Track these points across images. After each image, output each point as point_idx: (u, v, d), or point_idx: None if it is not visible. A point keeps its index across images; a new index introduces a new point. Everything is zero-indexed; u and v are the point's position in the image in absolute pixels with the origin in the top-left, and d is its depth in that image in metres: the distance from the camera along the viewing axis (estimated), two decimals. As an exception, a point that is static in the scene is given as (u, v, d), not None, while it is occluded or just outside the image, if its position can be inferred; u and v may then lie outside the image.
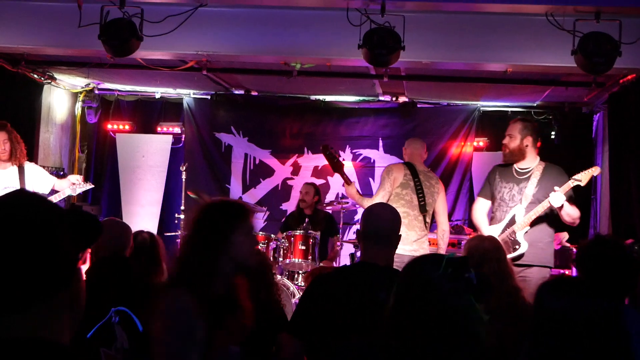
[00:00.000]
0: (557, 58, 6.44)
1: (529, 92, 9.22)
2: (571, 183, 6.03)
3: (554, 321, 2.47)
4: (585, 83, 8.26)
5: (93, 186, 8.55)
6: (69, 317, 1.58)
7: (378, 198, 6.54)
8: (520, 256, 6.14)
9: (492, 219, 6.51)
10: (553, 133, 9.83)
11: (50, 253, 1.52)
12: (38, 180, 7.42)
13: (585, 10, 5.86)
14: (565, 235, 7.71)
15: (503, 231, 6.25)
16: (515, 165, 6.37)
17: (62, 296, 1.55)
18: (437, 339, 2.17)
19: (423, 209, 6.55)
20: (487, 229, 6.35)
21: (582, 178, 6.07)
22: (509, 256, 6.05)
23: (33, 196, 1.62)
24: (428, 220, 6.61)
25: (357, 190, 6.94)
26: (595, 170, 6.11)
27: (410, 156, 6.88)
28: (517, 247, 6.14)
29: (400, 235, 3.90)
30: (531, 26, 6.37)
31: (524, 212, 6.19)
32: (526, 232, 6.17)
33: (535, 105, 10.00)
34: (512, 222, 6.24)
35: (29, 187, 7.09)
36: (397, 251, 3.91)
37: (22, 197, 1.61)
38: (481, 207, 6.58)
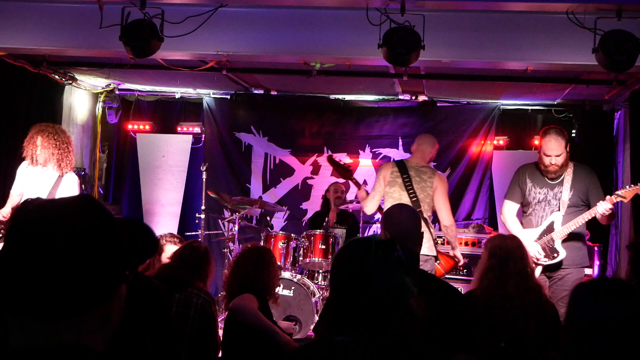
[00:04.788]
0: (578, 56, 6.38)
1: (550, 90, 9.16)
2: (614, 198, 5.93)
3: (600, 327, 2.47)
4: (606, 81, 8.20)
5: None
6: (103, 331, 1.57)
7: (370, 198, 6.81)
8: (560, 263, 6.18)
9: (525, 223, 6.47)
10: (574, 131, 9.76)
11: (108, 262, 1.52)
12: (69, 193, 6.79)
13: (607, 8, 5.82)
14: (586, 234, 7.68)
15: (540, 237, 6.24)
16: None
17: (102, 310, 1.54)
18: (374, 320, 2.23)
19: (416, 204, 6.48)
20: (523, 233, 6.26)
21: (627, 195, 5.95)
22: (548, 263, 6.15)
23: (100, 206, 1.61)
24: (425, 215, 6.52)
25: (367, 192, 6.99)
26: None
27: (413, 152, 6.97)
28: (555, 255, 6.16)
29: (423, 232, 3.93)
30: (552, 24, 6.33)
31: (562, 219, 6.18)
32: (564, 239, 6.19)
33: (555, 103, 9.94)
34: (550, 228, 6.22)
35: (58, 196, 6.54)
36: None
37: (89, 204, 1.60)
38: (512, 210, 6.53)
